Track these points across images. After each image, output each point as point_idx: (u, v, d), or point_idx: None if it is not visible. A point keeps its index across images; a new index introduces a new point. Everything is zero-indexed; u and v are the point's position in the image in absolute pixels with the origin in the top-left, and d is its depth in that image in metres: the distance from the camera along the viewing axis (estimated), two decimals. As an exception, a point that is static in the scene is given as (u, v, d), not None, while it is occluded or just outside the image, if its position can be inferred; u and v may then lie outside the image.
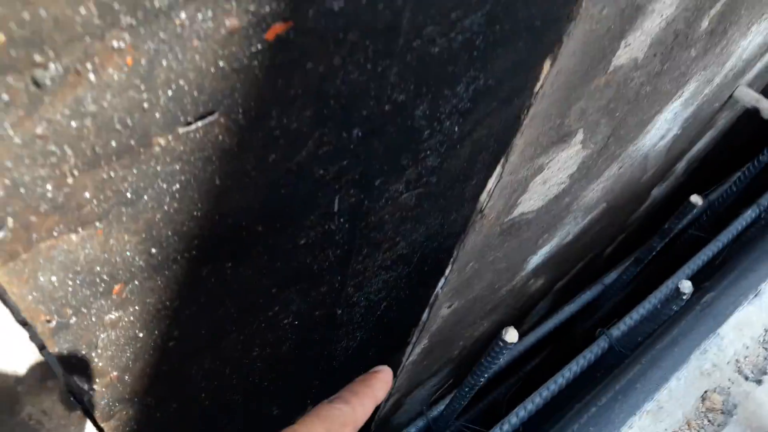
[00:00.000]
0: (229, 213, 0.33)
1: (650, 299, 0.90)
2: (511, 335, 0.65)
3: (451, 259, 0.70)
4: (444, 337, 1.01)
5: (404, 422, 1.40)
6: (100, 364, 0.35)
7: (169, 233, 0.31)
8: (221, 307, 0.41)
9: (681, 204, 1.11)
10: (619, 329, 0.82)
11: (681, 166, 1.40)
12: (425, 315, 0.83)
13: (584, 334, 1.60)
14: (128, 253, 0.30)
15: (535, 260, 1.00)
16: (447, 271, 0.73)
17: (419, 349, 0.96)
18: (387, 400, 1.10)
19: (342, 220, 0.43)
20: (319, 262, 0.46)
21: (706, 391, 0.77)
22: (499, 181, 0.56)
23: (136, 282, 0.32)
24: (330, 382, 0.75)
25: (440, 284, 0.75)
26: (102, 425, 0.41)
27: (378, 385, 0.41)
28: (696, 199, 1.00)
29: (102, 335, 0.33)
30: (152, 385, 0.41)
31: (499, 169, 0.55)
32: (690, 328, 0.79)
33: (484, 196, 0.59)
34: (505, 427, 0.72)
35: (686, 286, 0.68)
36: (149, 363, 0.39)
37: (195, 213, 0.31)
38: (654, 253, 1.04)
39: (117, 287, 0.31)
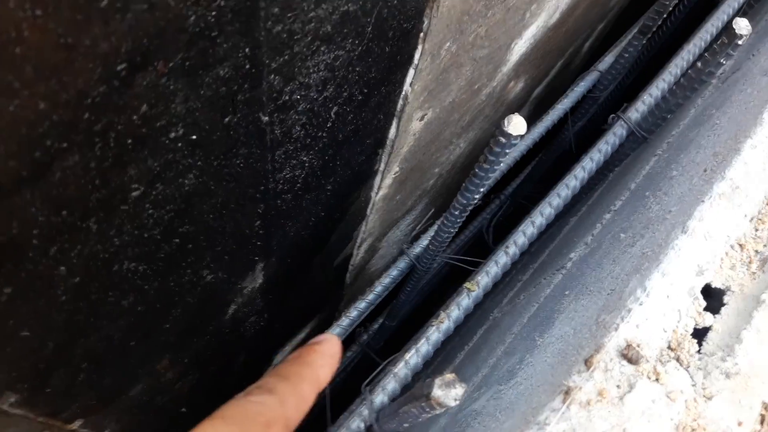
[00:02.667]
0: None
1: (676, 61, 0.70)
2: (517, 124, 0.45)
3: (421, 33, 0.48)
4: (417, 163, 0.83)
5: (381, 268, 1.27)
6: None
7: None
8: None
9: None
10: (637, 111, 0.64)
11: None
12: (393, 130, 0.63)
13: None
14: None
15: (519, 48, 0.79)
16: (417, 56, 0.51)
17: (390, 179, 0.78)
18: (359, 245, 0.94)
19: None
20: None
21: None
22: None
23: None
24: (279, 232, 0.56)
25: (409, 78, 0.54)
26: None
27: (320, 362, 0.30)
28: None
29: None
30: None
31: None
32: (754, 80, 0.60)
33: None
34: (521, 239, 0.56)
35: (743, 26, 0.49)
36: None
37: None
38: (663, 18, 0.81)
39: None
